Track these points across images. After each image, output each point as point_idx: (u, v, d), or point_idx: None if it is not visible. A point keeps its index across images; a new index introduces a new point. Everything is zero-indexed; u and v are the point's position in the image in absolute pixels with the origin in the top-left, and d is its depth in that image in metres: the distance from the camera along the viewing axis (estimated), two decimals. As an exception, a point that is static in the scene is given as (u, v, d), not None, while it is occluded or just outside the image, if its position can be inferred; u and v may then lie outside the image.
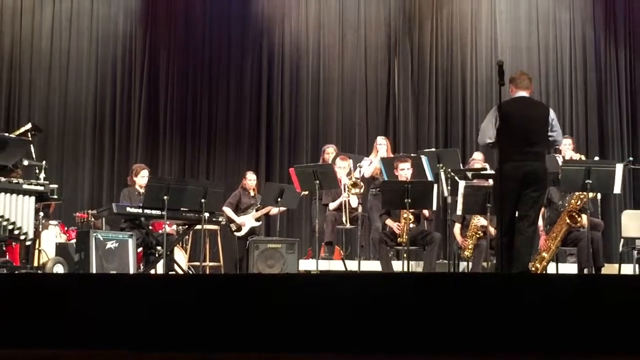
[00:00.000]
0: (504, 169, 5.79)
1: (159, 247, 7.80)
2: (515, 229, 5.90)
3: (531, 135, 5.89)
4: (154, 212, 7.44)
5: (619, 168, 7.09)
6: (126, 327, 2.76)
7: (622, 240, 8.27)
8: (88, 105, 10.70)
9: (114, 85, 10.79)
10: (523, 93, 6.06)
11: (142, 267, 7.87)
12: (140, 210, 7.56)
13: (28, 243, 7.07)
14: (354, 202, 8.34)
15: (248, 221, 8.84)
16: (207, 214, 7.52)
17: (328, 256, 8.41)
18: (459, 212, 7.51)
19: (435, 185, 7.48)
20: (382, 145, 8.89)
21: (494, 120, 5.95)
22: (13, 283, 3.71)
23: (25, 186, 6.77)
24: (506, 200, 5.86)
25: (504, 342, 2.65)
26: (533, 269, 7.09)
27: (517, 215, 5.92)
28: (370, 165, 8.71)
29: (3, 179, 6.66)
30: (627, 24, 10.81)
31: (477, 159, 8.65)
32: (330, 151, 9.01)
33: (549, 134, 6.01)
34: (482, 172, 7.72)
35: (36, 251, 7.53)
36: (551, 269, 7.56)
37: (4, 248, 7.52)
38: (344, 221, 8.34)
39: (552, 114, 6.09)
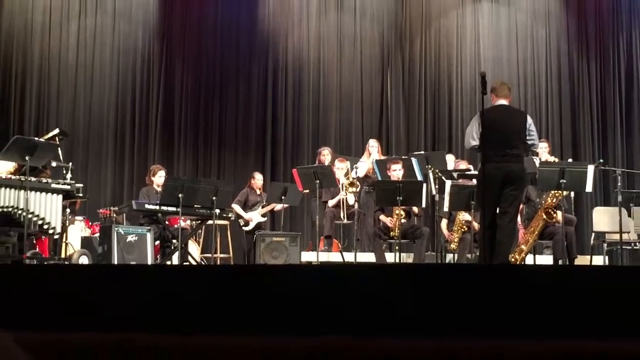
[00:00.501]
0: (486, 170, 5.80)
1: (174, 241, 7.80)
2: (497, 224, 5.90)
3: (510, 140, 5.89)
4: (170, 208, 7.45)
5: (590, 169, 7.10)
6: (144, 313, 2.76)
7: (593, 234, 8.29)
8: (110, 112, 10.70)
9: (133, 93, 10.79)
10: (503, 101, 6.06)
11: (159, 259, 7.87)
12: (157, 207, 7.57)
13: (56, 237, 7.08)
14: (351, 199, 8.36)
15: (255, 217, 8.84)
16: (218, 211, 7.52)
17: (327, 249, 8.43)
18: (445, 208, 7.52)
19: (424, 185, 7.49)
20: (373, 147, 8.98)
21: (477, 126, 5.95)
22: (42, 273, 3.71)
23: (53, 185, 6.77)
24: (488, 197, 5.86)
25: (486, 326, 2.65)
26: (513, 260, 7.09)
27: (498, 211, 5.92)
28: (363, 164, 8.76)
29: (34, 179, 6.66)
30: (597, 39, 10.82)
31: (454, 160, 8.67)
32: (325, 153, 9.02)
33: (527, 138, 6.01)
34: (466, 173, 7.73)
35: (63, 244, 7.52)
36: (529, 260, 7.57)
37: (35, 241, 7.52)
38: (342, 217, 8.36)
39: (529, 120, 6.09)
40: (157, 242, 7.90)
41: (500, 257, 5.88)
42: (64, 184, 6.88)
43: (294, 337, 2.41)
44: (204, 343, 2.35)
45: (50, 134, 7.63)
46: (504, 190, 5.85)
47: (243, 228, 8.87)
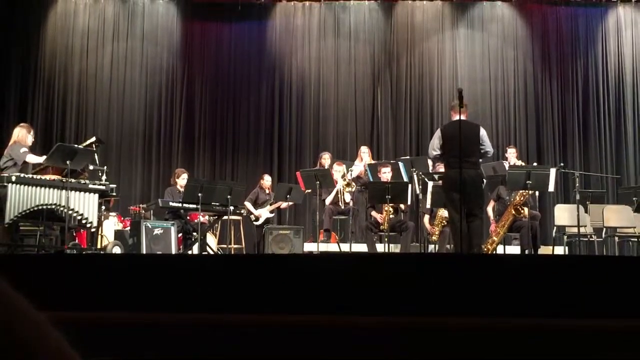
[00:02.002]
0: (448, 174, 5.84)
1: (194, 233, 7.81)
2: (466, 219, 5.93)
3: (467, 149, 5.88)
4: (191, 205, 7.45)
5: (553, 172, 7.12)
6: (168, 295, 2.76)
7: (555, 227, 8.30)
8: (139, 122, 10.71)
9: (159, 106, 10.80)
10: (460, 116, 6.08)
11: (181, 249, 7.88)
12: (180, 204, 7.57)
13: (93, 230, 7.09)
14: (347, 197, 8.37)
15: (264, 213, 8.84)
16: (232, 207, 7.53)
17: (326, 240, 8.43)
18: (427, 205, 7.53)
19: (410, 185, 7.50)
20: (364, 153, 8.99)
21: (438, 139, 6.02)
22: (81, 261, 3.71)
23: (90, 186, 6.78)
24: (451, 197, 5.91)
25: (462, 306, 2.66)
26: (485, 249, 7.10)
27: (465, 209, 5.95)
28: (357, 168, 8.79)
29: (73, 180, 6.68)
30: (558, 61, 10.84)
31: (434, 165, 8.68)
32: (325, 157, 9.03)
33: (481, 147, 6.04)
34: (445, 175, 7.73)
35: (99, 236, 7.54)
36: (500, 249, 7.58)
37: (75, 234, 7.54)
38: (340, 204, 8.38)
39: (482, 132, 6.10)
40: (180, 235, 7.91)
41: (475, 243, 5.90)
42: (100, 184, 6.89)
43: (297, 315, 2.41)
44: (220, 320, 2.35)
45: (88, 142, 7.64)
46: (466, 192, 5.86)
47: (254, 222, 8.88)
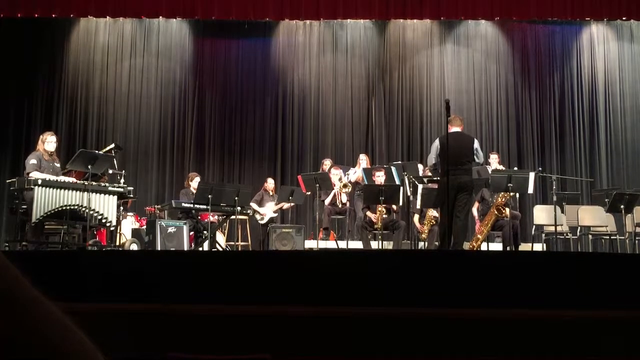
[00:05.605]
0: (444, 180, 5.88)
1: (205, 231, 7.80)
2: (453, 220, 5.97)
3: (461, 158, 5.97)
4: (202, 206, 7.45)
5: (532, 175, 7.13)
6: (181, 287, 2.76)
7: (534, 226, 8.30)
8: (154, 130, 10.71)
9: (172, 116, 10.80)
10: (456, 129, 6.15)
11: (193, 246, 7.88)
12: (192, 205, 7.56)
13: (112, 229, 7.09)
14: (344, 198, 8.37)
15: (268, 213, 8.84)
16: (239, 208, 7.52)
17: (325, 238, 8.43)
18: (417, 206, 7.53)
19: (401, 188, 7.50)
20: (363, 160, 8.99)
21: (436, 148, 6.10)
22: (101, 257, 3.70)
23: (110, 188, 6.78)
24: (446, 200, 5.95)
25: (449, 298, 2.66)
26: (470, 247, 7.09)
27: (454, 211, 5.98)
28: (355, 174, 8.77)
29: (94, 183, 6.68)
30: (537, 74, 10.86)
31: (423, 169, 8.68)
32: (327, 163, 9.06)
33: (474, 156, 6.13)
34: (434, 179, 7.74)
35: (118, 234, 7.54)
36: (483, 246, 7.58)
37: (95, 232, 7.54)
38: (338, 204, 8.38)
39: (476, 143, 6.20)
40: (192, 233, 7.90)
41: (458, 243, 5.94)
42: (118, 187, 6.89)
43: (299, 306, 2.41)
44: (227, 311, 2.35)
45: (108, 148, 7.65)
46: (458, 196, 5.92)
47: (259, 222, 8.88)
